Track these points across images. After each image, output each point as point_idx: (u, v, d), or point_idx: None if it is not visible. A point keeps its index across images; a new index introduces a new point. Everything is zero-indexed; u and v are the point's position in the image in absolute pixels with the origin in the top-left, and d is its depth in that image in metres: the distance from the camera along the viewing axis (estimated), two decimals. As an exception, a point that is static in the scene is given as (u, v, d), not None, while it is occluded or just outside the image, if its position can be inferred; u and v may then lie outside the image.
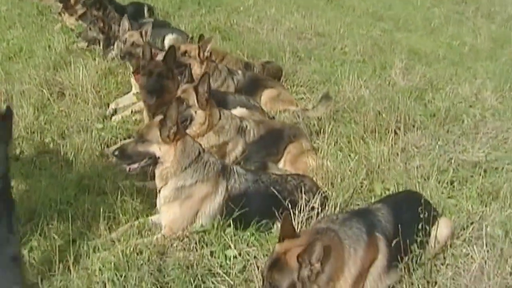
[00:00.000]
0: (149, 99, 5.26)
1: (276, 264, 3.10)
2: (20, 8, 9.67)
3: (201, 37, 6.46)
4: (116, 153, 4.20)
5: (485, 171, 5.02)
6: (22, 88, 6.38)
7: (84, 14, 8.15)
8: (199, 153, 4.16)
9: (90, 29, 7.62)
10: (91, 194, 4.47)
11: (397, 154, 5.14)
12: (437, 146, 5.31)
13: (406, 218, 3.61)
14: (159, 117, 4.17)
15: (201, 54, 6.01)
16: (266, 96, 6.13)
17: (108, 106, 6.22)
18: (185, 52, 6.08)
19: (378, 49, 8.20)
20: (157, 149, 4.09)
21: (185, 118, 4.78)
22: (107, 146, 5.32)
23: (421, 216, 3.54)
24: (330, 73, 7.13)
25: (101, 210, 4.09)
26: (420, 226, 3.53)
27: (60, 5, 9.15)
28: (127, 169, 4.19)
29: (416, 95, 6.65)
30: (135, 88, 6.19)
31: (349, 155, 5.14)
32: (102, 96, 6.43)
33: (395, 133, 5.49)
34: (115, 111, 6.16)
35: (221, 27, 8.63)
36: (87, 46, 7.80)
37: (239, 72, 6.31)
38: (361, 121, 5.77)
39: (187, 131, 4.55)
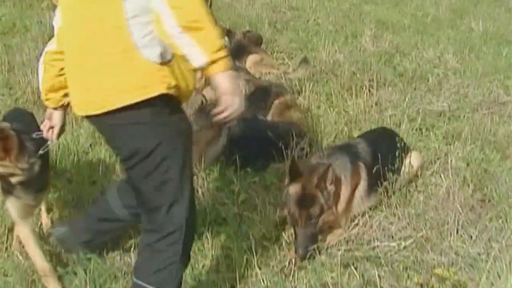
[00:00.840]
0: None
1: (304, 200, 3.69)
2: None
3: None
4: None
5: (449, 118, 5.74)
6: (23, 59, 6.86)
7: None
8: (202, 102, 4.76)
9: None
10: (104, 145, 5.01)
11: (371, 107, 5.80)
12: (406, 99, 5.99)
13: (382, 149, 4.24)
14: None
15: None
16: (250, 60, 6.71)
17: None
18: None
19: (348, 20, 8.81)
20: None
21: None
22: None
23: (397, 145, 4.21)
24: (306, 41, 7.73)
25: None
26: (395, 154, 4.19)
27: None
28: None
29: (385, 58, 7.29)
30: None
31: (329, 109, 5.79)
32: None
33: (369, 90, 6.16)
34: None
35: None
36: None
37: (226, 38, 6.90)
38: (338, 81, 6.39)
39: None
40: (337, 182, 3.89)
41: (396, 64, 7.21)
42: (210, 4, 6.77)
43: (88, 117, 2.65)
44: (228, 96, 2.44)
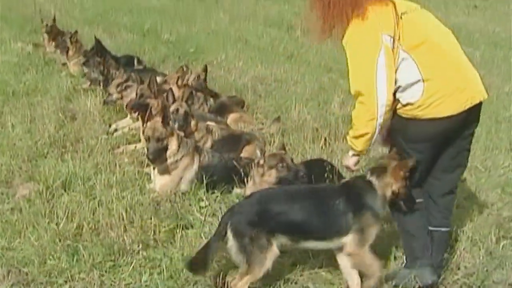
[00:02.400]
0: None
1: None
2: (29, 60, 11.60)
3: (180, 68, 8.46)
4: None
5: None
6: (42, 112, 8.25)
7: (87, 61, 10.04)
8: (182, 137, 6.10)
9: (93, 71, 9.57)
10: (104, 172, 6.31)
11: (326, 154, 7.05)
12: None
13: (316, 171, 5.51)
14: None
15: (179, 82, 8.02)
16: (230, 118, 8.03)
17: (110, 126, 8.10)
18: (165, 81, 8.12)
19: (323, 90, 10.15)
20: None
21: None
22: (112, 149, 7.17)
23: (326, 168, 5.48)
24: (282, 105, 9.06)
25: (114, 181, 6.03)
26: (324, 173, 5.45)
27: (64, 57, 11.21)
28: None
29: (348, 119, 8.57)
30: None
31: (292, 154, 7.06)
32: (105, 119, 8.30)
33: (326, 141, 7.44)
34: (115, 130, 8.01)
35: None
36: (89, 86, 9.71)
37: (211, 99, 8.32)
38: (302, 134, 7.67)
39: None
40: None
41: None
42: (205, 78, 8.28)
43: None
44: None
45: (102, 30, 14.78)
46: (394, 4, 4.00)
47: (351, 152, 4.35)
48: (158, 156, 5.91)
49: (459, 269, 4.74)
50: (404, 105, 4.00)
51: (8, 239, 4.97)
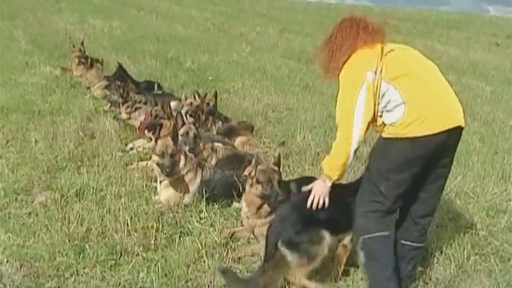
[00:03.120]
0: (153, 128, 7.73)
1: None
2: (56, 82, 12.31)
3: (206, 95, 9.11)
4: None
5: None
6: (64, 130, 8.87)
7: (109, 85, 10.67)
8: (187, 154, 6.64)
9: (113, 94, 10.20)
10: (115, 185, 6.86)
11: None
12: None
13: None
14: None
15: (204, 104, 8.71)
16: (238, 141, 8.55)
17: (126, 145, 8.67)
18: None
19: (331, 119, 10.63)
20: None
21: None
22: (126, 165, 7.72)
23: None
24: (289, 131, 9.58)
25: (124, 192, 6.59)
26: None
27: (88, 81, 11.91)
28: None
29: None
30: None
31: (291, 175, 7.54)
32: (121, 138, 8.88)
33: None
34: (131, 149, 8.58)
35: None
36: (110, 108, 10.33)
37: (220, 122, 8.88)
38: (304, 158, 8.16)
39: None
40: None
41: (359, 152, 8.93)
42: (215, 102, 8.86)
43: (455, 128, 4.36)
44: None
45: (128, 57, 15.48)
46: (382, 45, 4.54)
47: (328, 181, 4.70)
48: (173, 170, 6.45)
49: (430, 279, 5.16)
50: (388, 126, 4.42)
51: (23, 238, 5.52)
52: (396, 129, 4.35)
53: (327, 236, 4.76)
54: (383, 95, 4.39)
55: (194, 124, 7.62)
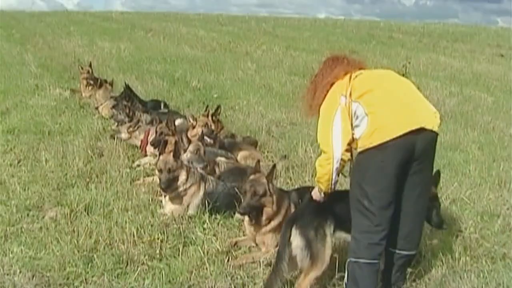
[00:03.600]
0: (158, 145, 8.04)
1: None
2: (66, 104, 12.69)
3: (218, 108, 9.47)
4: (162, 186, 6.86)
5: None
6: (73, 149, 9.20)
7: (117, 104, 11.00)
8: (190, 168, 6.92)
9: (120, 113, 10.53)
10: (122, 199, 7.16)
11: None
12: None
13: (305, 196, 6.23)
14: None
15: (214, 118, 9.13)
16: (240, 155, 8.84)
17: (133, 162, 8.98)
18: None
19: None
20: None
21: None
22: (133, 181, 8.02)
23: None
24: (291, 145, 9.86)
25: (130, 206, 6.88)
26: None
27: (96, 101, 12.28)
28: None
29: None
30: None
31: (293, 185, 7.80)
32: (129, 156, 9.20)
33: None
34: (138, 166, 8.89)
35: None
36: (117, 127, 10.64)
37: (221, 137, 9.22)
38: (305, 170, 8.42)
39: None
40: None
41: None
42: (219, 112, 9.16)
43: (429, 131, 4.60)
44: None
45: (135, 78, 15.87)
46: (351, 73, 4.90)
47: (321, 191, 5.10)
48: (169, 186, 6.74)
49: (421, 280, 5.38)
50: (359, 140, 4.65)
51: (34, 251, 5.81)
52: (363, 141, 4.57)
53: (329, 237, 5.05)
54: (354, 114, 4.67)
55: (201, 141, 7.92)
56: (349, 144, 4.69)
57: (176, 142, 7.26)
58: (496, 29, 45.61)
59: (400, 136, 4.47)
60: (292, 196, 6.23)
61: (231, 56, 21.44)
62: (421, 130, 4.57)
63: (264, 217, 5.92)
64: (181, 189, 6.85)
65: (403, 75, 16.04)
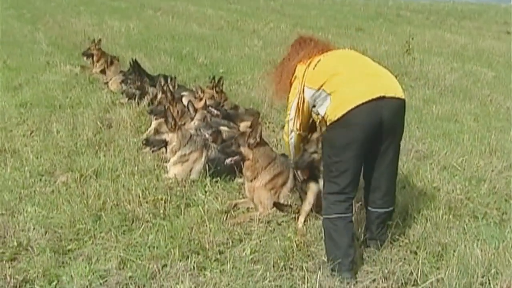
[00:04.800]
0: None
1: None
2: (76, 79, 13.10)
3: (220, 79, 9.88)
4: (144, 142, 7.39)
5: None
6: (83, 121, 9.63)
7: (126, 79, 11.38)
8: (191, 136, 7.33)
9: (130, 87, 10.93)
10: (129, 165, 7.57)
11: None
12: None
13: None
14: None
15: (217, 88, 9.60)
16: (242, 125, 9.19)
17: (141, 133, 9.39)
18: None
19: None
20: (166, 136, 7.28)
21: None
22: (140, 149, 8.43)
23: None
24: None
25: (136, 171, 7.31)
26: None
27: (106, 76, 12.70)
28: (150, 150, 7.40)
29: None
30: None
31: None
32: (137, 127, 9.60)
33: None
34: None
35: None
36: (127, 101, 11.03)
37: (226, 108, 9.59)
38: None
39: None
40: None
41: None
42: (222, 83, 9.52)
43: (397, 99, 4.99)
44: None
45: (144, 55, 16.19)
46: (312, 59, 5.33)
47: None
48: (149, 144, 7.53)
49: (405, 235, 5.76)
50: (324, 117, 5.04)
51: (47, 211, 6.26)
52: (329, 116, 4.95)
53: None
54: (315, 99, 5.15)
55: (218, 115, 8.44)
56: (310, 124, 5.44)
57: (168, 109, 7.61)
58: (506, 7, 45.40)
59: (362, 104, 4.81)
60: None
61: (238, 34, 21.71)
62: (385, 99, 4.91)
63: (244, 169, 6.41)
64: (179, 153, 7.30)
65: (406, 51, 16.48)
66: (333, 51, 5.47)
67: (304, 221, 6.02)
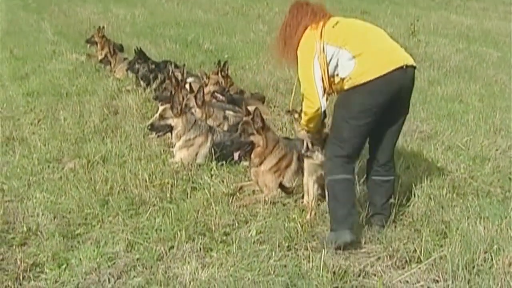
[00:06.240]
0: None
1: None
2: (82, 67, 13.18)
3: (225, 63, 9.94)
4: (149, 127, 7.46)
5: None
6: (90, 108, 9.71)
7: (131, 66, 11.45)
8: (195, 121, 7.40)
9: (141, 69, 11.02)
10: (135, 150, 7.66)
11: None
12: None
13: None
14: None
15: (222, 73, 9.66)
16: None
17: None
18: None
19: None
20: (171, 121, 7.35)
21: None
22: (146, 135, 8.49)
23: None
24: (298, 99, 10.24)
25: (143, 156, 7.39)
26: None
27: (111, 65, 12.76)
28: (156, 136, 7.48)
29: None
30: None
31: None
32: (143, 113, 9.66)
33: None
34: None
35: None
36: (133, 88, 11.10)
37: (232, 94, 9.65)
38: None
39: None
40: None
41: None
42: (227, 67, 9.56)
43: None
44: None
45: (149, 42, 16.28)
46: (324, 20, 5.32)
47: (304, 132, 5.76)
48: (154, 129, 7.53)
49: (409, 213, 5.83)
50: (346, 79, 5.09)
51: (55, 196, 6.35)
52: (353, 80, 5.04)
53: None
54: (331, 58, 5.13)
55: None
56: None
57: (174, 94, 7.66)
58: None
59: (389, 73, 4.98)
60: (293, 144, 6.67)
61: (243, 19, 21.70)
62: (407, 68, 5.11)
63: (253, 156, 6.44)
64: (184, 138, 7.40)
65: (411, 33, 16.43)
66: (348, 19, 5.56)
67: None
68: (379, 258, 5.11)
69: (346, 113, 5.16)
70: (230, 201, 6.22)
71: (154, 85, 10.62)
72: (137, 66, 11.18)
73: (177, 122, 7.36)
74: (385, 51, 5.17)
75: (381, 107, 5.11)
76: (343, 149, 5.20)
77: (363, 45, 5.12)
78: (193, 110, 8.07)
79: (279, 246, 5.21)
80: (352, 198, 5.27)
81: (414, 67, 5.21)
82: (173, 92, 8.01)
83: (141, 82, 11.09)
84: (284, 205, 6.19)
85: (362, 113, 5.08)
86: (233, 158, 7.01)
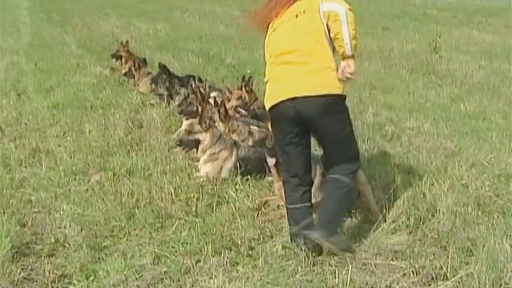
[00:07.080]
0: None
1: None
2: (106, 81, 13.33)
3: (250, 78, 9.98)
4: (178, 143, 7.53)
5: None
6: (115, 121, 9.82)
7: (155, 80, 11.57)
8: (220, 135, 7.46)
9: (160, 87, 11.12)
10: (161, 164, 7.73)
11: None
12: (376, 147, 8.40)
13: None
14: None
15: (247, 87, 9.72)
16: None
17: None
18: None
19: (362, 103, 11.30)
20: (200, 135, 7.42)
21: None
22: (171, 148, 8.57)
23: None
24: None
25: (168, 169, 7.46)
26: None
27: (135, 79, 12.89)
28: (183, 151, 7.55)
29: (378, 126, 9.72)
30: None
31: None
32: (167, 126, 9.75)
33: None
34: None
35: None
36: (157, 102, 11.21)
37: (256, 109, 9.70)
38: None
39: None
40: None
41: (384, 130, 9.59)
42: (251, 82, 9.59)
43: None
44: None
45: (172, 56, 16.41)
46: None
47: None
48: (182, 144, 7.56)
49: (433, 229, 5.81)
50: None
51: (82, 209, 6.43)
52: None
53: None
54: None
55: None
56: None
57: (203, 110, 7.73)
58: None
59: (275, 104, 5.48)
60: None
61: (264, 34, 21.75)
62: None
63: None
64: (209, 151, 7.46)
65: (433, 49, 16.40)
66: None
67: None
68: (404, 274, 5.10)
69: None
70: (256, 215, 6.25)
71: (177, 101, 10.65)
72: (159, 81, 11.26)
73: (204, 137, 7.42)
74: (281, 83, 5.55)
75: (286, 125, 5.50)
76: (286, 172, 5.82)
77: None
78: (216, 124, 8.11)
79: (304, 261, 5.22)
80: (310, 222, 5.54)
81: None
82: (199, 107, 8.07)
83: (165, 97, 11.15)
84: (309, 220, 6.19)
85: (276, 131, 5.85)
86: (258, 173, 7.10)
